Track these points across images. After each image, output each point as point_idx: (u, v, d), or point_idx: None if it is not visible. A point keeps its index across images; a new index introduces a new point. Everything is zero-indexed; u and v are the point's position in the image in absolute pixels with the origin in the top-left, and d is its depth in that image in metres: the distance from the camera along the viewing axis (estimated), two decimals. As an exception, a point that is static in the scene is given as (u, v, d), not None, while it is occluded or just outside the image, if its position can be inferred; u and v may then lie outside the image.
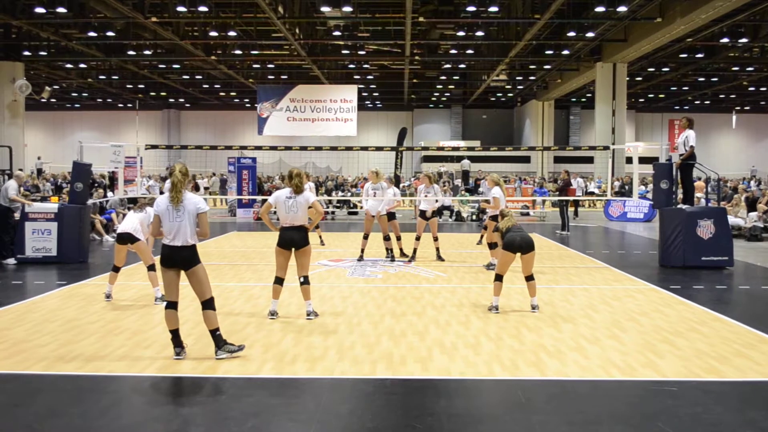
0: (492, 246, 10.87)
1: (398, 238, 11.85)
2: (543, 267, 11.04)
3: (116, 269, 8.20)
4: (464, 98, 46.97)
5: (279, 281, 7.17)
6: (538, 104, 44.31)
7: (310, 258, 7.24)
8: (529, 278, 7.63)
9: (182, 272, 5.70)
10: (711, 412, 4.55)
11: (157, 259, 6.91)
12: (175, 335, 5.69)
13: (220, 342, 5.65)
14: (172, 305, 5.71)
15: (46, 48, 29.22)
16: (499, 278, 7.63)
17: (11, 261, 11.20)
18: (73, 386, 5.04)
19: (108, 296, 8.12)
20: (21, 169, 12.07)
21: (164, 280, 5.75)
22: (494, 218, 10.71)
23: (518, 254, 7.52)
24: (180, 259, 5.62)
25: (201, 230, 5.67)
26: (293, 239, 7.01)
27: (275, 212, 7.25)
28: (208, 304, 5.66)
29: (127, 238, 7.95)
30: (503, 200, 10.51)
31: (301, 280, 7.14)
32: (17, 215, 11.65)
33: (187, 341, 6.06)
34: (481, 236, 15.06)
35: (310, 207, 7.12)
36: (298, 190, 7.03)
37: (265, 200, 7.34)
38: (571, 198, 19.66)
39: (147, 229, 8.09)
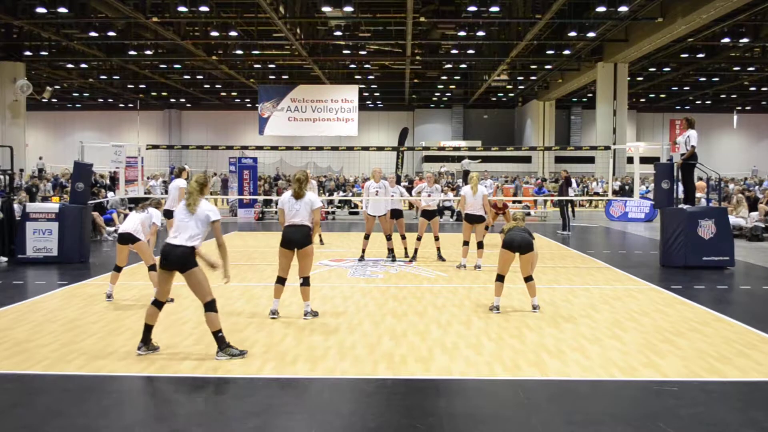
0: (480, 245, 10.88)
1: (403, 237, 11.87)
2: (544, 267, 11.04)
3: (118, 269, 8.20)
4: (465, 98, 46.95)
5: (281, 281, 7.19)
6: (539, 104, 44.29)
7: (312, 259, 7.21)
8: (528, 279, 7.62)
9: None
10: (712, 412, 4.55)
11: (158, 260, 6.91)
12: (148, 330, 5.75)
13: (222, 344, 5.65)
14: (157, 303, 5.76)
15: (48, 48, 29.24)
16: (500, 278, 7.62)
17: (2, 260, 11.20)
18: (74, 386, 5.05)
19: (109, 296, 8.13)
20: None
21: (159, 280, 5.79)
22: (466, 217, 10.83)
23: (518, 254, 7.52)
24: (174, 258, 5.61)
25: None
26: (293, 238, 6.99)
27: None
28: (209, 307, 5.65)
29: (128, 238, 7.95)
30: (470, 198, 10.66)
31: (301, 281, 7.15)
32: (18, 215, 11.66)
33: (187, 341, 6.08)
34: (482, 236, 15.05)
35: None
36: (297, 196, 7.07)
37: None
38: (569, 198, 19.63)
39: (148, 230, 8.10)
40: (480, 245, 10.85)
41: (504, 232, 7.66)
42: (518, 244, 7.45)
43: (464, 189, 10.99)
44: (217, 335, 5.65)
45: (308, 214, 7.06)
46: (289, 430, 4.29)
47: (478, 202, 10.65)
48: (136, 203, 11.74)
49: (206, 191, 5.93)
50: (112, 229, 14.98)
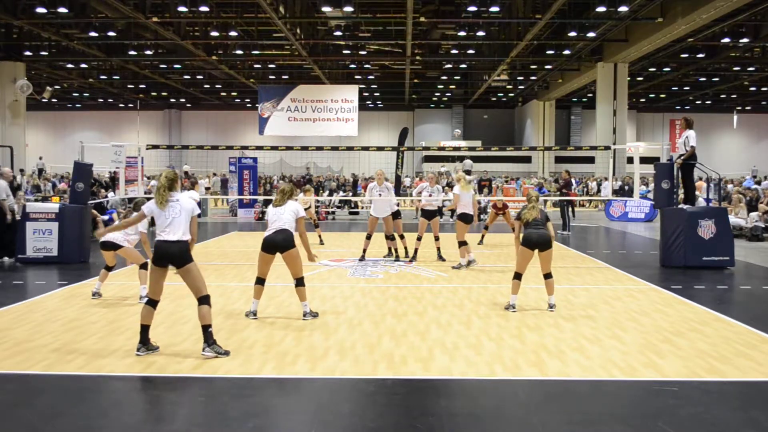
0: (461, 244, 10.84)
1: (401, 237, 11.88)
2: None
3: (108, 268, 8.29)
4: (465, 98, 46.97)
5: (260, 281, 7.19)
6: (539, 104, 44.29)
7: (301, 260, 7.14)
8: (547, 276, 7.63)
9: (169, 273, 5.76)
10: (712, 412, 4.55)
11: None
12: (145, 331, 5.76)
13: (210, 339, 5.67)
14: (152, 303, 5.77)
15: (48, 48, 29.25)
16: (517, 276, 7.60)
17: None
18: (74, 386, 5.05)
19: (94, 294, 8.18)
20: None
21: (151, 278, 5.78)
22: (460, 216, 10.92)
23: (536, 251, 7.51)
24: (173, 254, 5.63)
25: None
26: (276, 240, 6.95)
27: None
28: (204, 300, 5.70)
29: (110, 246, 8.03)
30: (464, 198, 10.82)
31: (295, 282, 7.16)
32: (18, 215, 11.65)
33: (188, 341, 6.08)
34: (482, 236, 15.05)
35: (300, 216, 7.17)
36: (276, 203, 7.13)
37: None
38: (571, 198, 19.64)
39: (133, 237, 8.10)
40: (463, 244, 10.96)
41: (521, 220, 7.61)
42: (536, 241, 7.43)
43: (458, 188, 11.07)
44: (207, 330, 5.67)
45: (290, 219, 7.04)
46: (289, 430, 4.29)
47: (471, 201, 10.92)
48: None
49: (176, 187, 5.87)
50: None
